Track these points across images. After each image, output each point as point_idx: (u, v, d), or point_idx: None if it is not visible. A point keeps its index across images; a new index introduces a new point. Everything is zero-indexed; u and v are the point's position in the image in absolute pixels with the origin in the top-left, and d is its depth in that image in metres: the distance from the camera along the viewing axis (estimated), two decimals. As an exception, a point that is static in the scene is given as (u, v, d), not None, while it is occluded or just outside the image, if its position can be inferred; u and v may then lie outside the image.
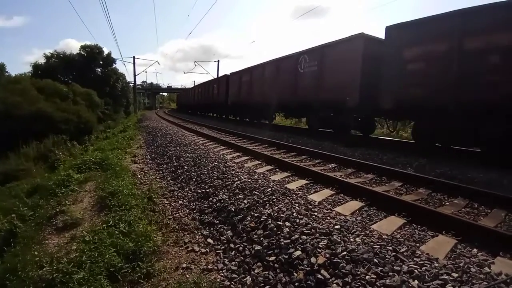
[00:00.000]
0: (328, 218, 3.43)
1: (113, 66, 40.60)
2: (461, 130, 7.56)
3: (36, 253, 3.86)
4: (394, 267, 2.42)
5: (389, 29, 8.93)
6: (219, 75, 32.02)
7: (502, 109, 6.54)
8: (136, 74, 44.87)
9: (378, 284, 2.27)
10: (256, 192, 4.47)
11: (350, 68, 10.19)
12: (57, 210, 5.11)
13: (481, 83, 6.78)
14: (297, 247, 2.91)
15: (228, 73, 23.36)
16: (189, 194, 5.39)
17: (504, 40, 6.40)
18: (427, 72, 7.90)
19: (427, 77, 7.90)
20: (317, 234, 3.03)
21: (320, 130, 12.67)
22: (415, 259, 2.52)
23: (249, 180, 5.03)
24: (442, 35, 7.53)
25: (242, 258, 3.19)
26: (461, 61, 7.10)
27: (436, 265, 2.41)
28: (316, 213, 3.57)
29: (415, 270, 2.33)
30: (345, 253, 2.65)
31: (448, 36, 7.37)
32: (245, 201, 4.26)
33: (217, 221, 4.14)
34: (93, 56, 37.08)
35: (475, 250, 2.77)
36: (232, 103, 21.86)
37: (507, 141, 6.64)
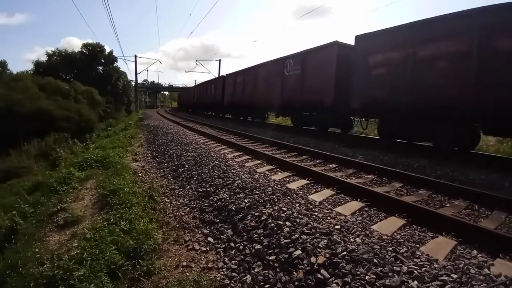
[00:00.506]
0: (329, 218, 3.44)
1: (115, 65, 40.59)
2: (414, 127, 8.63)
3: (37, 250, 3.88)
4: (394, 267, 2.42)
5: (357, 38, 10.09)
6: (219, 75, 32.44)
7: (444, 110, 7.53)
8: (138, 72, 44.92)
9: (378, 284, 2.27)
10: (256, 192, 4.48)
11: (326, 72, 11.40)
12: (58, 207, 5.14)
13: (428, 87, 7.83)
14: (297, 246, 2.92)
15: (225, 75, 24.71)
16: (190, 193, 5.40)
17: (448, 48, 7.39)
18: (387, 76, 8.99)
19: (386, 81, 8.98)
20: (317, 234, 3.03)
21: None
22: (415, 260, 2.52)
23: (250, 180, 5.04)
24: (398, 44, 8.63)
25: (242, 257, 3.20)
26: (414, 67, 8.15)
27: (436, 266, 2.41)
28: (316, 213, 3.58)
29: (415, 271, 2.34)
30: (345, 253, 2.66)
31: (403, 46, 8.45)
32: (245, 200, 4.27)
33: (218, 220, 4.15)
34: (94, 54, 37.07)
35: (475, 251, 2.77)
36: (227, 103, 23.06)
37: (450, 137, 7.77)
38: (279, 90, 14.68)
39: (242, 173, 5.54)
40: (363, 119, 11.83)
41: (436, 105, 7.62)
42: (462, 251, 2.78)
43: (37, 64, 33.69)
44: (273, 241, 3.17)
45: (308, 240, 2.96)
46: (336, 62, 11.00)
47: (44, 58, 34.62)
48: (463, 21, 7.18)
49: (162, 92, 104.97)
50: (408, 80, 8.27)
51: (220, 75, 28.40)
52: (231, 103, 22.20)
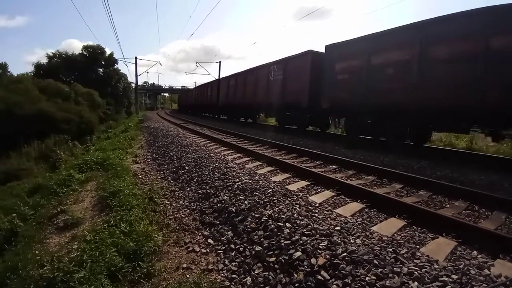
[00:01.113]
0: (329, 219, 3.44)
1: (115, 67, 40.67)
2: (372, 125, 10.08)
3: (37, 252, 3.88)
4: (394, 268, 2.42)
5: (326, 48, 11.70)
6: (219, 77, 33.13)
7: (392, 110, 8.88)
8: (138, 74, 44.95)
9: (378, 286, 2.27)
10: (256, 193, 4.48)
11: (302, 77, 13.00)
12: (58, 209, 5.13)
13: (380, 91, 9.20)
14: (298, 248, 2.92)
15: (219, 78, 27.18)
16: (190, 195, 5.40)
17: (395, 57, 8.79)
18: (349, 81, 10.47)
19: (349, 85, 10.46)
20: (318, 235, 3.03)
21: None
22: (415, 261, 2.52)
23: (250, 181, 5.04)
24: (357, 53, 10.09)
25: (242, 258, 3.19)
26: (369, 73, 9.56)
27: (436, 267, 2.41)
28: (316, 214, 3.58)
29: (415, 272, 2.34)
30: (345, 254, 2.66)
31: (360, 55, 9.95)
32: (245, 202, 4.27)
33: (218, 222, 4.15)
34: (95, 57, 37.15)
35: (475, 252, 2.77)
36: (222, 104, 24.84)
37: (398, 133, 9.15)
38: (265, 93, 16.38)
39: (242, 174, 5.54)
40: (336, 119, 13.42)
41: (386, 106, 9.02)
42: (463, 252, 2.78)
43: (38, 66, 33.74)
44: (273, 242, 3.17)
45: (308, 241, 2.96)
46: (310, 69, 12.54)
47: (44, 60, 34.72)
48: (408, 33, 8.45)
49: (162, 94, 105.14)
50: (365, 85, 9.66)
51: (220, 77, 29.70)
52: (225, 104, 23.84)
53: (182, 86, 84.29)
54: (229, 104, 22.84)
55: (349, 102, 10.40)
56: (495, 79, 6.53)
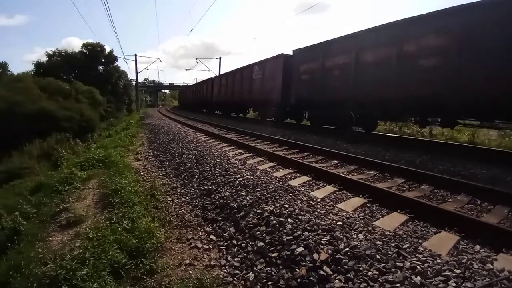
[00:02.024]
0: (331, 214, 3.43)
1: (115, 64, 40.50)
2: (328, 116, 12.02)
3: (39, 250, 3.89)
4: (397, 263, 2.42)
5: (293, 52, 13.73)
6: (220, 73, 34.03)
7: (340, 104, 10.70)
8: (138, 71, 44.95)
9: (381, 280, 2.27)
10: (258, 189, 4.48)
11: (276, 76, 14.93)
12: (61, 207, 5.14)
13: (331, 87, 11.20)
14: (300, 243, 2.92)
15: (213, 76, 29.56)
16: (191, 191, 5.40)
17: (340, 61, 10.77)
18: (309, 81, 12.48)
19: (309, 84, 12.45)
20: (320, 231, 3.03)
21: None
22: (417, 255, 2.51)
23: (252, 177, 5.03)
24: (315, 58, 12.12)
25: (244, 254, 3.20)
26: (323, 74, 11.55)
27: (439, 261, 2.41)
28: (318, 210, 3.57)
29: (418, 267, 2.33)
30: (347, 249, 2.65)
31: (317, 59, 11.92)
32: (247, 198, 4.27)
33: (220, 218, 4.15)
34: (95, 54, 37.01)
35: (477, 246, 2.76)
36: (215, 101, 27.20)
37: (345, 121, 10.79)
38: (249, 90, 18.35)
39: (244, 170, 5.54)
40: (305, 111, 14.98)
41: (335, 100, 11.05)
42: (465, 246, 2.77)
43: (38, 64, 33.65)
44: (276, 238, 3.17)
45: (310, 236, 2.95)
46: (282, 70, 14.45)
47: (44, 59, 34.62)
48: (348, 42, 10.49)
49: (163, 90, 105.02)
50: (320, 83, 11.66)
51: (214, 76, 31.36)
52: (218, 101, 26.25)
53: (182, 83, 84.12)
54: (221, 101, 25.09)
55: (310, 98, 12.46)
56: (406, 79, 8.32)
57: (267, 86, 16.04)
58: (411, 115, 9.68)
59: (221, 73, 34.59)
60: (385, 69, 8.97)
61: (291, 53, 14.04)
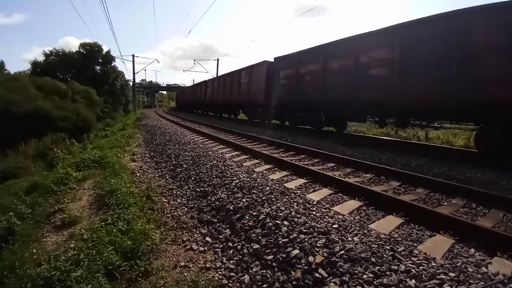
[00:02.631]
0: (326, 217, 3.44)
1: (112, 64, 40.33)
2: (302, 117, 13.58)
3: (34, 251, 3.87)
4: (392, 266, 2.42)
5: (275, 59, 15.57)
6: (217, 75, 34.77)
7: (311, 105, 12.45)
8: (136, 72, 44.87)
9: (376, 283, 2.27)
10: (254, 191, 4.48)
11: (260, 81, 16.79)
12: (56, 208, 5.11)
13: (304, 91, 12.93)
14: (295, 246, 2.92)
15: (207, 80, 31.71)
16: (187, 193, 5.39)
17: (311, 68, 12.54)
18: (287, 85, 14.29)
19: (287, 88, 14.21)
20: (315, 233, 3.03)
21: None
22: (412, 258, 2.52)
23: (248, 179, 5.03)
24: (291, 65, 13.93)
25: (240, 256, 3.19)
26: (298, 79, 13.36)
27: (434, 264, 2.41)
28: (314, 212, 3.58)
29: (413, 270, 2.34)
30: (343, 252, 2.66)
31: (293, 66, 13.70)
32: (243, 200, 4.27)
33: (216, 220, 4.14)
34: (92, 54, 36.85)
35: (472, 250, 2.77)
36: (208, 102, 29.34)
37: (317, 121, 12.75)
38: (238, 93, 20.17)
39: (240, 172, 5.53)
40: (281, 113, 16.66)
41: (308, 102, 12.67)
42: (460, 250, 2.79)
43: (35, 64, 33.45)
44: (271, 240, 3.17)
45: (306, 239, 2.96)
46: (266, 75, 16.19)
47: (41, 58, 34.42)
48: (316, 52, 12.23)
49: (160, 91, 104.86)
50: (296, 87, 13.41)
51: (208, 79, 32.80)
52: (211, 102, 28.27)
53: (180, 83, 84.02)
54: (214, 102, 27.06)
55: (288, 100, 14.16)
56: (361, 85, 9.91)
57: (252, 90, 17.84)
58: (370, 116, 11.57)
59: (218, 74, 35.56)
60: (346, 76, 10.57)
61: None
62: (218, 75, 26.90)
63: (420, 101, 8.13)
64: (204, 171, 6.09)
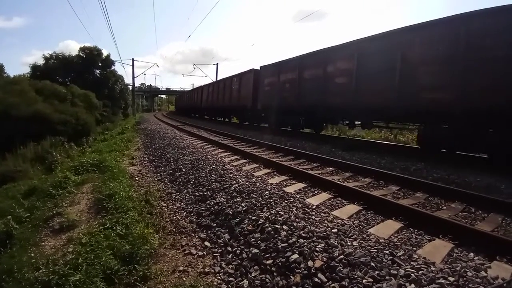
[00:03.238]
0: (326, 221, 3.43)
1: (112, 68, 40.35)
2: (285, 119, 14.91)
3: (32, 254, 3.85)
4: (391, 271, 2.42)
5: (260, 67, 17.16)
6: (216, 79, 35.49)
7: (290, 109, 13.97)
8: (135, 76, 44.99)
9: (375, 288, 2.27)
10: (253, 195, 4.47)
11: (248, 87, 18.55)
12: (54, 212, 5.10)
13: (284, 97, 14.32)
14: (295, 250, 2.92)
15: (202, 85, 33.39)
16: (186, 197, 5.38)
17: (290, 77, 14.05)
18: (270, 91, 15.80)
19: (270, 93, 15.78)
20: (315, 238, 3.03)
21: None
22: (412, 263, 2.52)
23: (247, 183, 5.03)
24: (274, 73, 15.45)
25: (239, 261, 3.18)
26: (279, 86, 14.84)
27: (433, 269, 2.41)
28: (313, 217, 3.57)
29: (412, 274, 2.33)
30: (342, 256, 2.65)
31: (275, 74, 15.28)
32: (242, 204, 4.26)
33: (215, 224, 4.14)
34: (92, 58, 36.87)
35: (471, 254, 2.77)
36: (203, 107, 31.12)
37: (295, 124, 14.38)
38: (230, 98, 21.80)
39: (239, 176, 5.53)
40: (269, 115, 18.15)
41: (287, 107, 14.13)
42: (459, 254, 2.78)
43: (34, 67, 33.46)
44: (270, 245, 3.16)
45: (305, 244, 2.95)
46: (253, 81, 17.87)
47: (41, 62, 34.42)
48: (295, 62, 13.73)
49: (160, 95, 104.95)
50: (277, 93, 14.88)
51: (206, 84, 33.70)
52: (206, 107, 29.97)
53: (180, 88, 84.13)
54: (209, 107, 28.85)
55: (271, 105, 15.50)
56: (329, 91, 11.36)
57: (242, 95, 19.60)
58: (340, 119, 12.58)
59: (218, 79, 36.10)
60: (317, 84, 12.00)
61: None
62: (215, 80, 28.85)
63: (373, 105, 9.48)
64: (203, 175, 6.09)
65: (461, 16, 7.15)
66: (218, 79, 26.88)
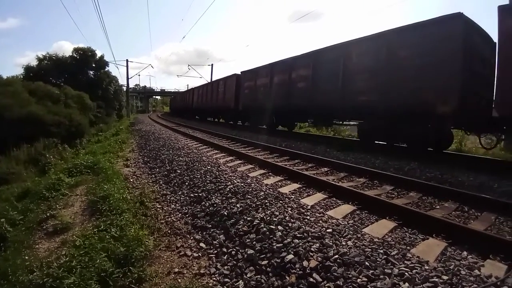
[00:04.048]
0: (320, 221, 3.45)
1: (106, 69, 40.00)
2: (261, 119, 16.46)
3: (26, 257, 3.82)
4: (385, 270, 2.43)
5: (241, 72, 19.28)
6: (211, 80, 35.86)
7: (265, 110, 15.22)
8: (129, 77, 44.78)
9: (370, 287, 2.28)
10: (249, 196, 4.47)
11: (231, 90, 20.92)
12: (48, 214, 5.07)
13: (260, 99, 16.26)
14: (290, 250, 2.92)
15: (194, 87, 35.96)
16: (181, 198, 5.37)
17: (263, 81, 16.15)
18: (249, 93, 17.86)
19: (249, 96, 17.85)
20: (310, 238, 3.04)
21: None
22: (405, 262, 2.54)
23: (242, 184, 5.03)
24: (251, 78, 17.59)
25: (234, 262, 3.18)
26: (255, 89, 16.94)
27: (427, 267, 2.43)
28: (308, 217, 3.58)
29: (406, 273, 2.35)
30: (337, 256, 2.67)
31: (252, 78, 17.36)
32: (238, 205, 4.26)
33: (210, 225, 4.13)
34: (85, 59, 36.52)
35: (465, 253, 2.79)
36: (194, 107, 33.32)
37: (270, 122, 16.39)
38: (216, 99, 24.04)
39: (234, 177, 5.53)
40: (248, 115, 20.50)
41: (262, 108, 15.44)
42: (453, 253, 2.81)
43: (27, 68, 33.08)
44: (266, 245, 3.17)
45: (300, 244, 2.96)
46: (235, 85, 20.07)
47: (34, 63, 34.08)
48: (267, 68, 15.78)
49: (154, 96, 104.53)
50: (254, 95, 17.00)
51: (212, 80, 35.26)
52: (197, 108, 32.21)
53: (174, 89, 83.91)
54: (199, 108, 31.06)
55: (250, 105, 17.70)
56: (292, 94, 13.23)
57: (226, 97, 21.73)
58: (303, 118, 15.09)
59: (212, 79, 36.38)
60: (284, 88, 13.94)
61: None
62: (205, 82, 31.04)
63: (324, 105, 11.39)
64: (198, 176, 6.08)
65: (383, 33, 8.96)
66: (208, 82, 29.24)
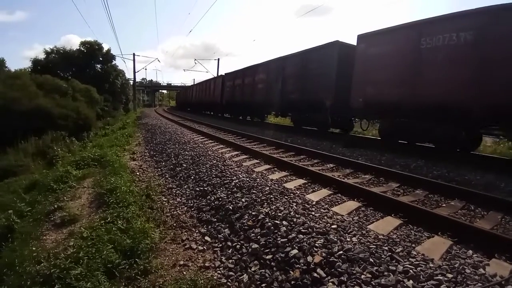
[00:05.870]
0: (325, 217, 3.45)
1: (113, 63, 40.08)
2: (238, 111, 22.92)
3: (33, 248, 3.87)
4: (390, 267, 2.44)
5: (225, 74, 24.56)
6: (218, 74, 36.72)
7: (252, 104, 18.87)
8: (136, 71, 44.87)
9: (373, 284, 2.29)
10: (254, 191, 4.49)
11: (217, 88, 25.81)
12: (55, 206, 5.13)
13: (236, 96, 21.34)
14: (294, 246, 2.93)
15: (194, 83, 43.56)
16: (187, 192, 5.40)
17: (238, 82, 20.75)
18: (230, 91, 22.70)
19: (229, 93, 22.72)
20: (314, 233, 3.04)
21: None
22: (410, 259, 2.54)
23: (248, 179, 5.04)
24: (231, 78, 22.52)
25: (239, 256, 3.20)
26: (234, 88, 21.74)
27: (431, 265, 2.43)
28: (313, 213, 3.59)
29: (410, 270, 2.35)
30: (341, 252, 2.67)
31: (232, 79, 22.32)
32: (243, 200, 4.28)
33: (215, 219, 4.16)
34: (93, 53, 36.67)
35: (470, 251, 2.78)
36: (193, 102, 38.13)
37: (253, 114, 21.46)
38: (209, 95, 28.70)
39: (240, 172, 5.54)
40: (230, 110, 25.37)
41: (249, 102, 18.93)
42: (458, 251, 2.80)
43: (35, 61, 33.31)
44: (270, 240, 3.18)
45: (304, 239, 2.97)
46: (221, 84, 24.74)
47: (42, 56, 34.31)
48: (241, 72, 20.37)
49: (161, 90, 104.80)
50: (241, 92, 20.25)
51: (195, 81, 40.64)
52: (196, 102, 36.68)
53: (181, 83, 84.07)
54: (198, 102, 35.27)
55: (229, 101, 22.59)
56: (255, 93, 18.10)
57: (215, 94, 26.30)
58: (264, 111, 19.96)
59: (218, 74, 37.06)
60: (250, 88, 18.67)
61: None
62: (201, 81, 35.80)
63: (273, 102, 15.56)
64: (204, 170, 6.10)
65: (300, 52, 13.71)
66: (207, 79, 33.29)
